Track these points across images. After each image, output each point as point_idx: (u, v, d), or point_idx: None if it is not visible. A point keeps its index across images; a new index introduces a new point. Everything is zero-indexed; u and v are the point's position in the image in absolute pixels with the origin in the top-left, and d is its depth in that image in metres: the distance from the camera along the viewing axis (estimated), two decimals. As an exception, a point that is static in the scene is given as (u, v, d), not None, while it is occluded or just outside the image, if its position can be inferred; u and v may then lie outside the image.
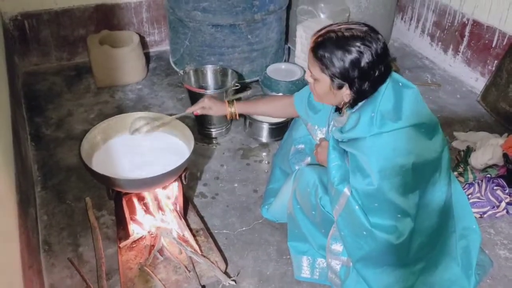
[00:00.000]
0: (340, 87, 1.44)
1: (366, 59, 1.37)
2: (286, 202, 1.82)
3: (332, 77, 1.42)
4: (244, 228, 1.95)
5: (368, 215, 1.46)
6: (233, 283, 1.70)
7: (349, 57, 1.37)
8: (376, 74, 1.40)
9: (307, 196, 1.64)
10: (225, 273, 1.73)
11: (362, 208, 1.46)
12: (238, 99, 2.08)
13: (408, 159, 1.40)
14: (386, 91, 1.42)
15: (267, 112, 1.97)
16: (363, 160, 1.42)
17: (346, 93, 1.45)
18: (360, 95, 1.44)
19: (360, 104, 1.46)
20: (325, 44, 1.40)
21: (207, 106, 1.88)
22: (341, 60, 1.38)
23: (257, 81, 2.90)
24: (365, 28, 1.40)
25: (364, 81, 1.40)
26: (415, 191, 1.47)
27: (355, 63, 1.37)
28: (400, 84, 1.46)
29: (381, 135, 1.40)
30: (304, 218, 1.72)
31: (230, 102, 1.90)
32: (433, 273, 1.66)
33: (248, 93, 2.29)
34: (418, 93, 1.48)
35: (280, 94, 2.66)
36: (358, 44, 1.36)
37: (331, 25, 1.44)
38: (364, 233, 1.47)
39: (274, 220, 1.97)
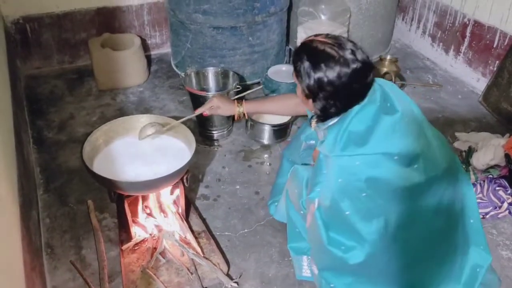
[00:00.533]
0: (307, 97, 1.45)
1: (328, 81, 1.36)
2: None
3: (301, 85, 1.44)
4: (246, 230, 1.96)
5: (329, 230, 1.47)
6: (235, 285, 1.70)
7: (313, 74, 1.37)
8: (340, 97, 1.39)
9: (296, 195, 1.68)
10: (227, 275, 1.73)
11: (325, 223, 1.48)
12: (242, 98, 2.07)
13: (370, 185, 1.39)
14: (360, 113, 1.40)
15: (276, 111, 1.97)
16: (329, 175, 1.44)
17: (312, 105, 1.46)
18: (324, 112, 1.45)
19: (334, 121, 1.46)
20: (301, 52, 1.42)
21: (215, 106, 1.88)
22: (306, 73, 1.39)
23: (258, 83, 2.90)
24: (346, 50, 1.37)
25: (326, 100, 1.40)
26: (380, 217, 1.42)
27: (318, 81, 1.37)
28: (389, 105, 1.43)
29: (342, 157, 1.40)
30: (297, 215, 1.74)
31: (239, 102, 1.91)
32: None
33: (252, 90, 2.30)
34: (400, 121, 1.42)
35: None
36: (326, 63, 1.35)
37: (320, 35, 1.44)
38: (323, 249, 1.50)
39: (281, 221, 1.96)
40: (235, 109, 1.91)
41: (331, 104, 1.41)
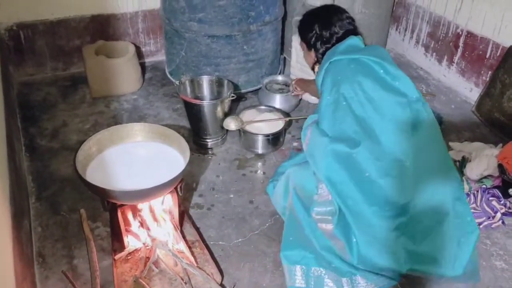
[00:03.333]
0: (308, 48, 2.05)
1: (313, 26, 1.97)
2: (281, 190, 1.97)
3: (301, 41, 2.09)
4: (240, 240, 1.95)
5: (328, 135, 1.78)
6: (229, 295, 1.69)
7: (302, 24, 2.06)
8: (327, 35, 1.95)
9: (306, 185, 1.83)
10: (221, 285, 1.72)
11: (323, 130, 1.80)
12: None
13: (361, 85, 1.76)
14: (356, 38, 1.90)
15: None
16: (323, 87, 1.86)
17: (312, 54, 2.04)
18: (321, 54, 1.98)
19: None
20: (301, 18, 2.09)
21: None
22: (300, 27, 2.07)
23: (253, 91, 2.91)
24: (325, 5, 2.13)
25: (319, 43, 1.98)
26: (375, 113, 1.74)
27: (307, 28, 2.01)
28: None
29: (340, 61, 1.83)
30: (306, 215, 1.79)
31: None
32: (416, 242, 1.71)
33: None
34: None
35: (277, 106, 2.65)
36: (311, 14, 2.04)
37: None
38: (324, 146, 1.75)
39: (275, 205, 2.06)
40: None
41: (322, 45, 1.98)
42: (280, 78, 2.88)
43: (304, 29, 2.04)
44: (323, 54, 1.97)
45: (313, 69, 2.11)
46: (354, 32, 1.97)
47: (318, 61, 2.04)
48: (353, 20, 2.00)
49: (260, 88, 2.80)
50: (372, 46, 1.98)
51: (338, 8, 2.03)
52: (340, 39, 1.94)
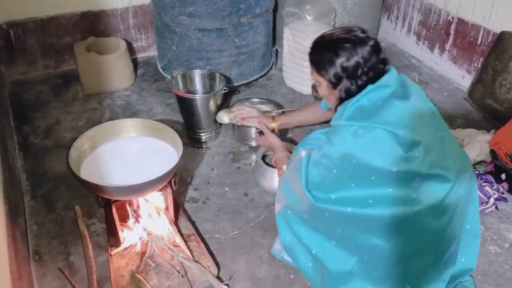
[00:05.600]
0: (333, 86, 1.54)
1: (353, 61, 1.46)
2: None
3: (326, 78, 1.53)
4: (235, 232, 1.95)
5: (308, 181, 1.57)
6: (225, 287, 1.70)
7: (336, 59, 1.47)
8: (364, 76, 1.48)
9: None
10: (218, 277, 1.73)
11: (307, 172, 1.57)
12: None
13: (363, 155, 1.43)
14: (372, 92, 1.46)
15: (304, 121, 2.17)
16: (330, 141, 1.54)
17: (336, 95, 1.56)
18: (348, 94, 1.51)
19: None
20: (317, 48, 1.55)
21: (254, 115, 2.16)
22: (329, 62, 1.49)
23: (246, 84, 2.90)
24: (356, 31, 1.50)
25: (350, 81, 1.49)
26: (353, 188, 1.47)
27: (341, 65, 1.47)
28: (404, 91, 1.49)
29: (345, 126, 1.48)
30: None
31: (273, 118, 2.10)
32: None
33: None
34: (412, 109, 1.47)
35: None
36: (345, 46, 1.46)
37: (327, 31, 1.57)
38: (300, 191, 1.58)
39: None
40: (270, 125, 2.13)
41: (354, 84, 1.49)
42: None
43: (323, 63, 1.53)
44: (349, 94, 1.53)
45: (336, 110, 1.61)
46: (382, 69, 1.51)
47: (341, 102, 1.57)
48: (377, 48, 1.50)
49: (255, 157, 2.28)
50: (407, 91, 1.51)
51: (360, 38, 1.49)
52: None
